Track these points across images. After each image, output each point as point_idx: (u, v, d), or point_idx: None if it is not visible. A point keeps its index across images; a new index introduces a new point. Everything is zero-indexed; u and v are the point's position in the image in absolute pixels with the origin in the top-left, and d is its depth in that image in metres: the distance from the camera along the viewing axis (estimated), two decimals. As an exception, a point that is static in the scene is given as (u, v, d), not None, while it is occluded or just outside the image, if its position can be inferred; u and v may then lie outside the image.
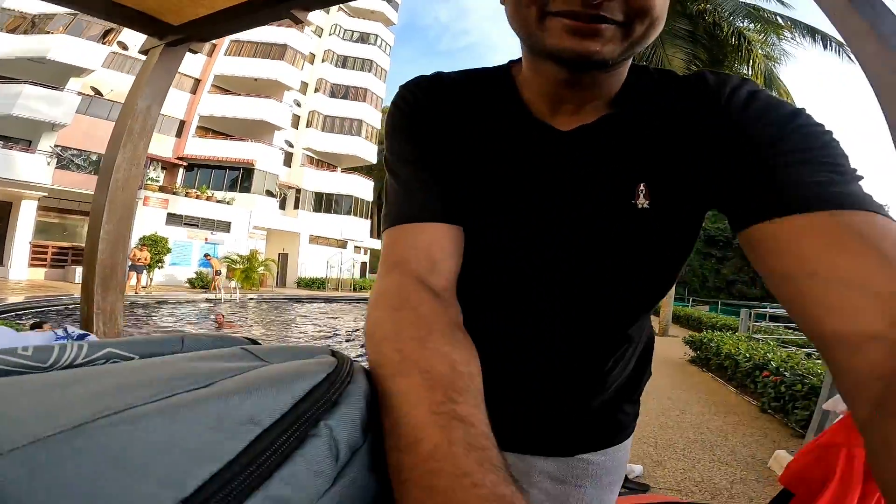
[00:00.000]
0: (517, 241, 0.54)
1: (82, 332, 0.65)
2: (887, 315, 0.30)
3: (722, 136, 0.46)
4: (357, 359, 0.31)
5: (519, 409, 0.63)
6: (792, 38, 11.36)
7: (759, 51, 11.15)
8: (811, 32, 11.10)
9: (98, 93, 17.65)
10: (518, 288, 0.56)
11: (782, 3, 11.46)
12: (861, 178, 0.39)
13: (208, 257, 16.61)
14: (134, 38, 16.72)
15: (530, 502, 0.26)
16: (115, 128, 1.92)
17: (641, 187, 0.49)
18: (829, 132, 0.42)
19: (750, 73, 11.39)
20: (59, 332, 0.64)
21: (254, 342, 0.33)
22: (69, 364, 0.27)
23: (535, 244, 0.54)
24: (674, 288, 12.81)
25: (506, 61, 0.60)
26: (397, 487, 0.27)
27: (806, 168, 0.39)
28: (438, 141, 0.54)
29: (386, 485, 0.28)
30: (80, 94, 16.67)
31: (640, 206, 0.49)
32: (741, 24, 11.35)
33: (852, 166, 0.40)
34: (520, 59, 0.56)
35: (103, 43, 17.86)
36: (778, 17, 11.43)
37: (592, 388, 0.63)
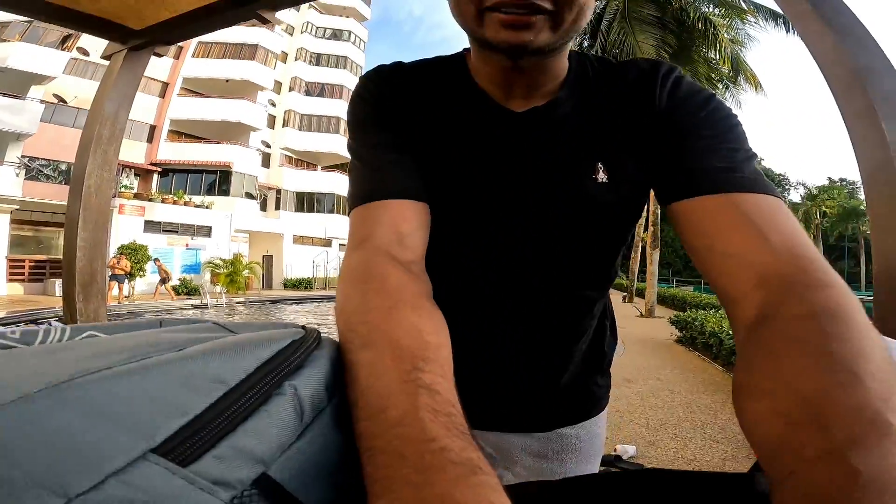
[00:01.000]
0: (478, 220, 0.57)
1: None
2: (753, 279, 0.38)
3: (655, 120, 0.53)
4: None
5: (494, 389, 0.65)
6: (755, 23, 11.66)
7: (725, 35, 11.38)
8: (773, 16, 11.41)
9: (61, 100, 17.16)
10: (480, 266, 0.59)
11: (745, -12, 11.70)
12: (756, 157, 0.48)
13: (157, 262, 15.80)
14: (94, 44, 16.23)
15: (495, 468, 0.28)
16: (83, 135, 1.88)
17: (599, 164, 0.54)
18: (735, 117, 0.51)
19: (717, 57, 11.65)
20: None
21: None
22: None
23: (495, 220, 0.57)
24: (657, 269, 12.98)
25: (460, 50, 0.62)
26: (364, 455, 0.27)
27: (714, 155, 0.47)
28: (401, 128, 0.56)
29: (350, 445, 0.30)
30: (42, 101, 16.06)
31: (600, 180, 0.54)
32: (706, 10, 11.58)
33: (749, 149, 0.48)
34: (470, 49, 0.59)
35: (62, 49, 17.35)
36: (741, 2, 11.68)
37: (561, 362, 0.66)
